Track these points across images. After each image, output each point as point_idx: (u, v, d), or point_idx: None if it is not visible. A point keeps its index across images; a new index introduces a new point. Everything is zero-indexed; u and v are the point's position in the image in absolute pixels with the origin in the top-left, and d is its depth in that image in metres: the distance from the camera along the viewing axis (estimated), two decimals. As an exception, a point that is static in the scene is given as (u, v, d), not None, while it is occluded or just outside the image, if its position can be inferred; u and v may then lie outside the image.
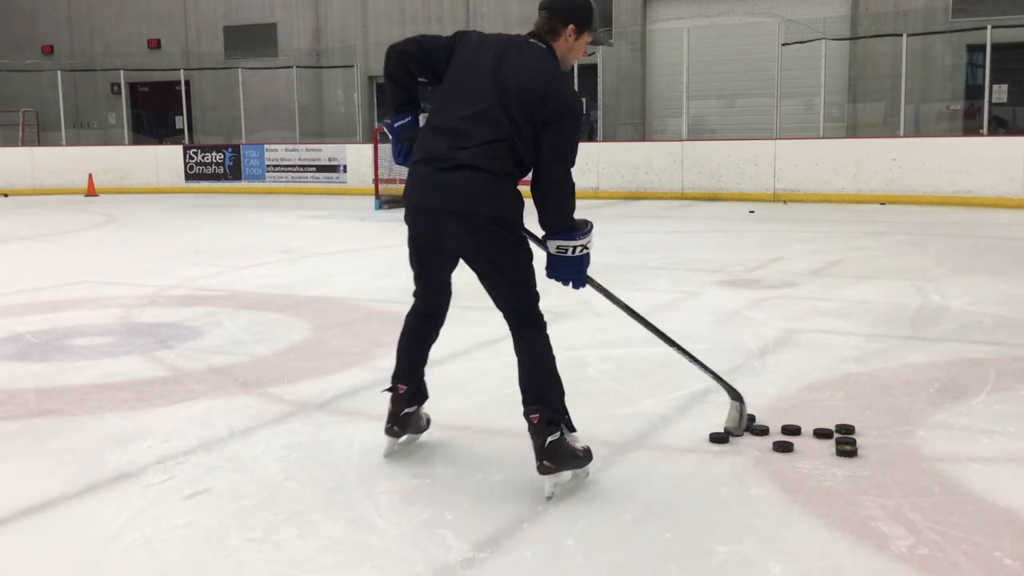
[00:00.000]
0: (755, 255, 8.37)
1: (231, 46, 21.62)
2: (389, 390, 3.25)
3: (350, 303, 6.35)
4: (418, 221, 2.97)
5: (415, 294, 3.22)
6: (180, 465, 3.23)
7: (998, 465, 3.17)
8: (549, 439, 2.87)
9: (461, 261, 3.05)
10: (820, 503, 2.83)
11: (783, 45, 15.49)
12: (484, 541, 2.60)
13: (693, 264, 7.88)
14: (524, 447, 3.40)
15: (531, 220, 2.97)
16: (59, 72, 20.05)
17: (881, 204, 13.66)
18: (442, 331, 3.28)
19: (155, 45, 22.32)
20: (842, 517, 2.73)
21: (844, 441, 3.26)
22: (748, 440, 3.40)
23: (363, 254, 9.08)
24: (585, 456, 2.99)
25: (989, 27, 14.06)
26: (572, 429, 2.98)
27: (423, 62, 3.00)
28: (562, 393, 2.97)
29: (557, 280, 3.00)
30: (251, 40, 21.45)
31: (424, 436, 3.44)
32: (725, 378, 3.55)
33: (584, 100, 17.70)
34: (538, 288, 3.00)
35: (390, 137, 3.11)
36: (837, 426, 3.42)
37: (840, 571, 2.43)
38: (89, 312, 6.12)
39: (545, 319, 3.01)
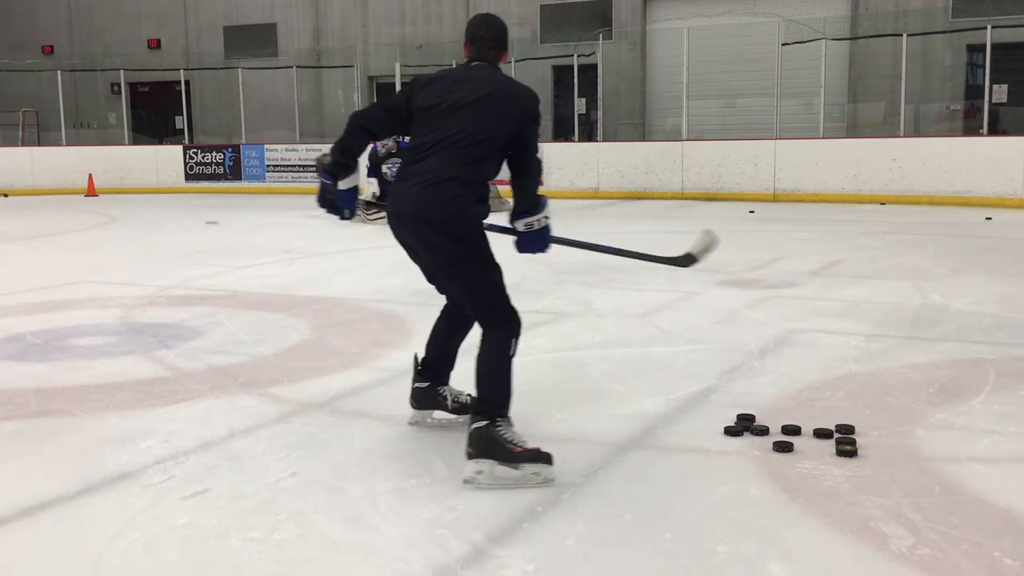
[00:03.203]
0: (755, 255, 8.36)
1: (231, 46, 21.62)
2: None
3: (350, 303, 6.35)
4: (401, 233, 3.22)
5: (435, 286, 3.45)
6: (180, 465, 3.23)
7: (998, 465, 3.17)
8: (474, 425, 2.99)
9: None
10: (820, 503, 2.83)
11: (783, 45, 15.49)
12: (484, 541, 2.60)
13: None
14: (524, 447, 3.41)
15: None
16: (59, 72, 20.05)
17: (881, 204, 13.66)
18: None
19: (155, 45, 22.32)
20: (842, 517, 2.73)
21: (844, 441, 3.26)
22: (748, 440, 3.40)
23: (363, 254, 9.08)
24: (527, 454, 3.00)
25: (989, 27, 14.05)
26: (511, 427, 3.05)
27: (394, 122, 3.31)
28: (505, 391, 3.06)
29: (528, 252, 3.33)
30: (251, 40, 21.46)
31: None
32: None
33: (584, 100, 17.81)
34: (507, 295, 3.13)
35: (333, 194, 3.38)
36: (837, 426, 3.42)
37: (840, 571, 2.43)
38: (89, 312, 6.12)
39: (517, 321, 3.13)
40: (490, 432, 2.97)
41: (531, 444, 3.03)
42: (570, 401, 3.94)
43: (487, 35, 3.30)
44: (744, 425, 3.49)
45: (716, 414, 3.69)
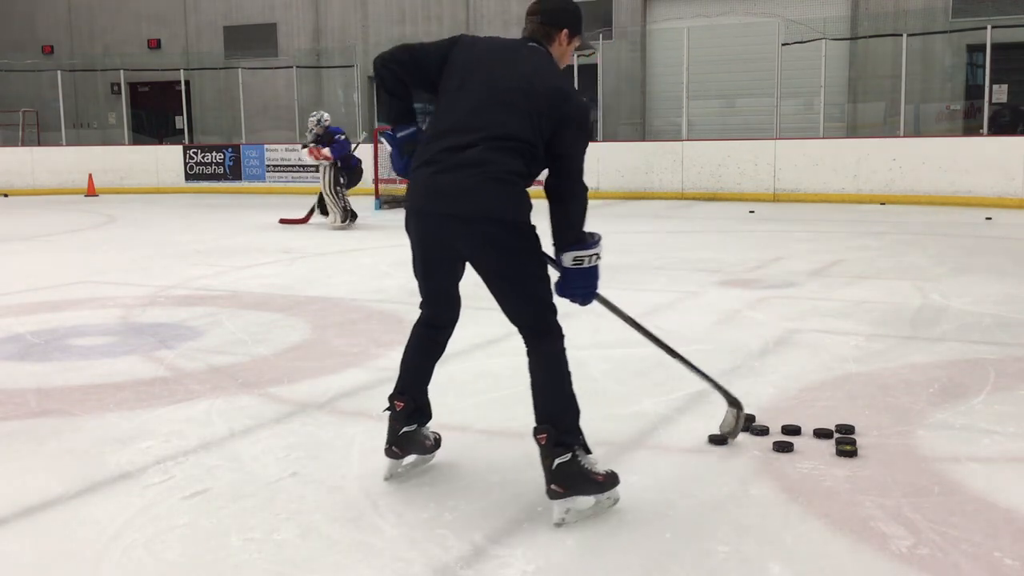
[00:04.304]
0: (755, 255, 8.36)
1: (231, 46, 21.62)
2: (387, 409, 3.07)
3: (350, 303, 6.35)
4: (423, 226, 2.81)
5: (421, 304, 3.05)
6: (180, 465, 3.23)
7: (998, 465, 3.17)
8: (557, 461, 2.69)
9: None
10: (820, 503, 2.83)
11: (783, 45, 15.49)
12: (484, 541, 2.60)
13: (693, 264, 7.87)
14: (523, 447, 3.40)
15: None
16: (59, 72, 20.06)
17: (881, 204, 13.66)
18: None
19: (155, 45, 22.32)
20: (842, 517, 2.73)
21: (844, 441, 3.26)
22: (748, 440, 3.40)
23: (363, 254, 9.08)
24: (608, 480, 2.77)
25: (989, 27, 14.06)
26: (588, 451, 2.78)
27: (414, 73, 2.89)
28: (576, 413, 2.79)
29: (568, 297, 2.87)
30: (251, 40, 21.45)
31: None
32: (722, 381, 3.55)
33: (584, 100, 17.77)
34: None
35: (390, 148, 3.02)
36: (837, 426, 3.42)
37: (840, 571, 2.43)
38: (89, 312, 6.12)
39: (562, 330, 2.84)
40: (575, 465, 2.70)
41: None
42: (570, 401, 3.94)
43: (536, 8, 2.93)
44: (744, 425, 3.48)
45: (716, 414, 3.69)
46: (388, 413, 3.06)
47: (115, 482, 3.09)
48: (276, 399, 4.04)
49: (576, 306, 2.96)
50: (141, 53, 22.09)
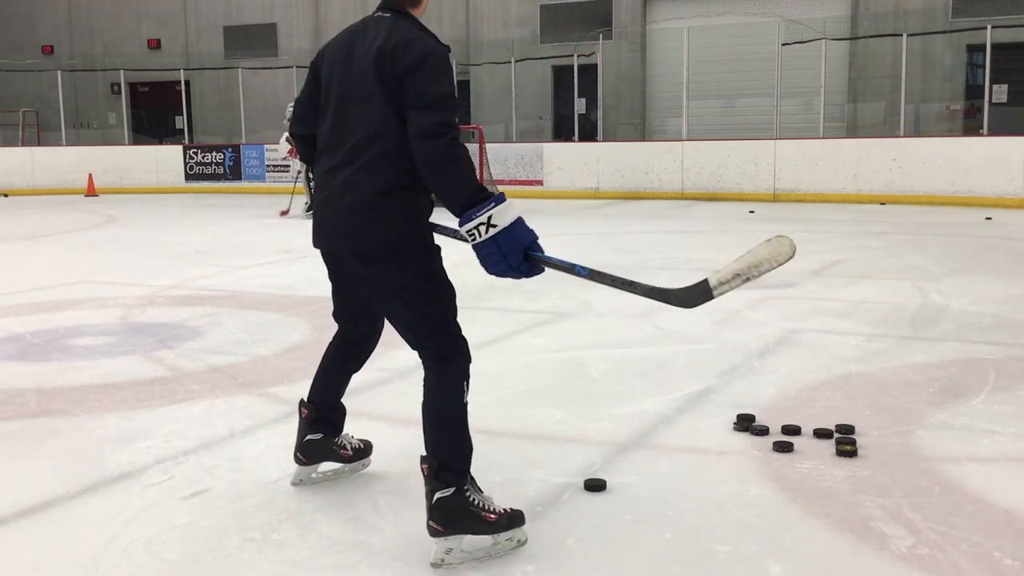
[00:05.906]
0: (755, 255, 8.35)
1: (231, 46, 21.63)
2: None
3: (350, 303, 6.35)
4: (323, 255, 2.73)
5: (335, 317, 2.97)
6: (180, 465, 3.23)
7: (998, 465, 3.17)
8: (437, 495, 2.45)
9: None
10: (820, 503, 2.83)
11: (783, 45, 15.50)
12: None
13: (693, 264, 7.87)
14: (523, 447, 3.41)
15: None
16: (59, 72, 20.05)
17: (881, 204, 13.66)
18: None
19: (155, 45, 22.34)
20: (842, 517, 2.73)
21: (844, 441, 3.26)
22: (748, 440, 3.40)
23: (363, 254, 9.07)
24: (502, 519, 2.52)
25: (989, 27, 14.06)
26: (479, 490, 2.55)
27: (313, 117, 2.72)
28: (466, 449, 2.54)
29: (493, 274, 2.44)
30: (251, 40, 21.46)
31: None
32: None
33: (584, 100, 17.80)
34: (457, 322, 2.60)
35: None
36: (837, 426, 3.42)
37: (840, 571, 2.43)
38: (89, 312, 6.12)
39: (467, 357, 2.58)
40: (458, 502, 2.46)
41: (501, 499, 2.62)
42: (570, 401, 3.94)
43: None
44: (744, 425, 3.49)
45: (716, 414, 3.69)
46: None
47: (115, 482, 3.09)
48: (276, 399, 4.04)
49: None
50: (141, 53, 22.10)
